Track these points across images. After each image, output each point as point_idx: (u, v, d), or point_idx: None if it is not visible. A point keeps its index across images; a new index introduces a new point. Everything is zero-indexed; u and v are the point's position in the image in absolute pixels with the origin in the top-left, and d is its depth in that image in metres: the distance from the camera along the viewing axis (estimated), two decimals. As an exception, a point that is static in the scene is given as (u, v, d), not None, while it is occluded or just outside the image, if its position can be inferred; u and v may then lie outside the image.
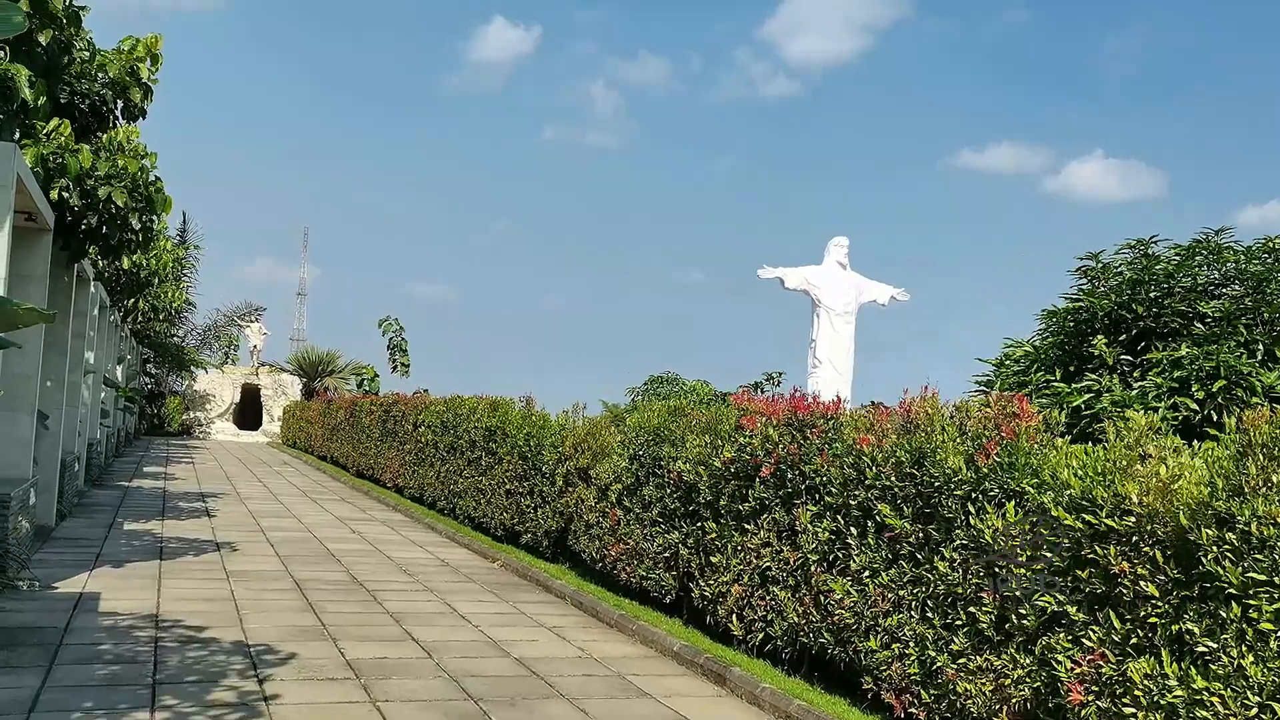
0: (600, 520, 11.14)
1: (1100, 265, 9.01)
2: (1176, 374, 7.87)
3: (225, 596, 9.76)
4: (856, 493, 7.11)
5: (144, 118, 13.90)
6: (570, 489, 12.05)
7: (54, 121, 11.76)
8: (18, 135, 11.52)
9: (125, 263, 20.36)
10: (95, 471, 20.63)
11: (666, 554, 9.70)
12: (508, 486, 14.08)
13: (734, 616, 8.45)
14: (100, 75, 13.26)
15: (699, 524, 9.18)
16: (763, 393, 12.41)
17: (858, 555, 7.03)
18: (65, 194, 11.71)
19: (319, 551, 13.15)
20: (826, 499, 7.47)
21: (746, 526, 8.40)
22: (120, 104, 13.50)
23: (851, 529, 7.16)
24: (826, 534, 7.41)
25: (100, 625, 8.22)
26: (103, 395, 22.52)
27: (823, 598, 7.38)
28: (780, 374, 13.01)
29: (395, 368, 50.59)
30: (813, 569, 7.51)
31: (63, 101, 12.95)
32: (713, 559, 8.83)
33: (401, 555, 13.31)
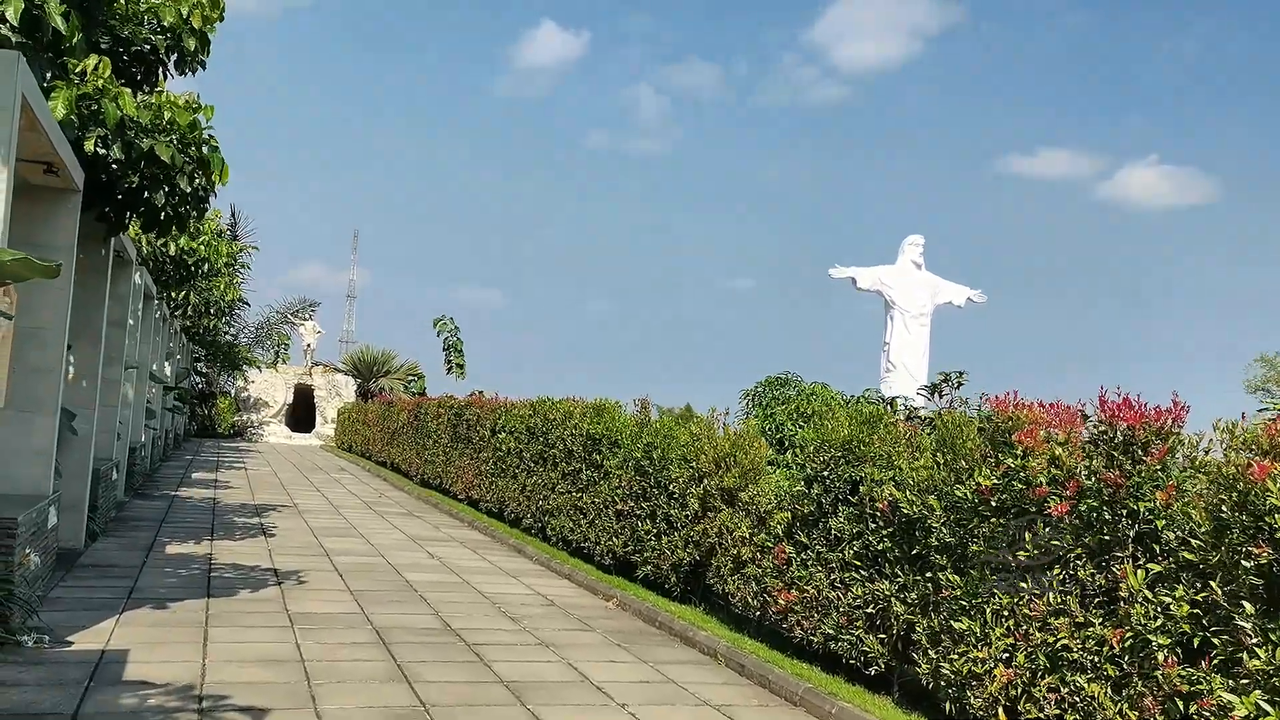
0: (758, 556, 8.76)
1: None
2: None
3: (290, 655, 7.49)
4: (1254, 550, 4.64)
5: (203, 69, 11.76)
6: (710, 514, 9.68)
7: (92, 59, 9.57)
8: (49, 75, 9.40)
9: (172, 248, 18.37)
10: (138, 479, 18.61)
11: (869, 609, 7.30)
12: (618, 507, 11.72)
13: (999, 709, 6.00)
14: (150, 20, 11.15)
15: (928, 574, 6.76)
16: (941, 396, 9.99)
17: (1262, 649, 4.56)
18: (102, 148, 9.54)
19: (396, 584, 10.88)
20: (1184, 554, 5.02)
21: (1020, 584, 5.96)
22: (175, 56, 11.37)
23: (1243, 604, 4.69)
24: (1185, 608, 4.96)
25: (122, 708, 5.96)
26: (149, 394, 20.53)
27: (1180, 702, 4.92)
28: (961, 373, 10.71)
29: (450, 368, 48.37)
30: (1159, 658, 5.05)
31: (103, 47, 10.83)
32: (955, 624, 6.39)
33: (495, 589, 10.99)
